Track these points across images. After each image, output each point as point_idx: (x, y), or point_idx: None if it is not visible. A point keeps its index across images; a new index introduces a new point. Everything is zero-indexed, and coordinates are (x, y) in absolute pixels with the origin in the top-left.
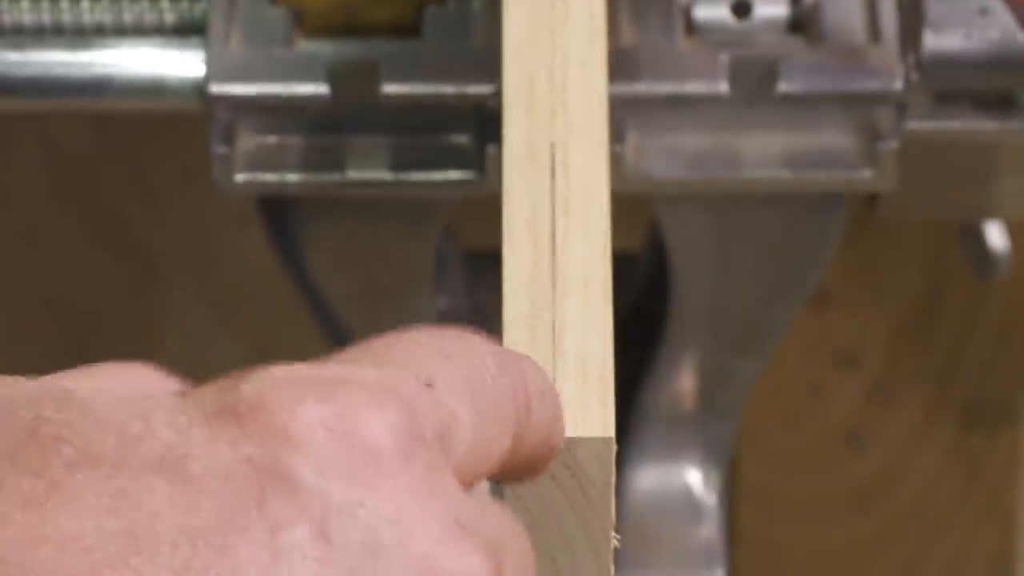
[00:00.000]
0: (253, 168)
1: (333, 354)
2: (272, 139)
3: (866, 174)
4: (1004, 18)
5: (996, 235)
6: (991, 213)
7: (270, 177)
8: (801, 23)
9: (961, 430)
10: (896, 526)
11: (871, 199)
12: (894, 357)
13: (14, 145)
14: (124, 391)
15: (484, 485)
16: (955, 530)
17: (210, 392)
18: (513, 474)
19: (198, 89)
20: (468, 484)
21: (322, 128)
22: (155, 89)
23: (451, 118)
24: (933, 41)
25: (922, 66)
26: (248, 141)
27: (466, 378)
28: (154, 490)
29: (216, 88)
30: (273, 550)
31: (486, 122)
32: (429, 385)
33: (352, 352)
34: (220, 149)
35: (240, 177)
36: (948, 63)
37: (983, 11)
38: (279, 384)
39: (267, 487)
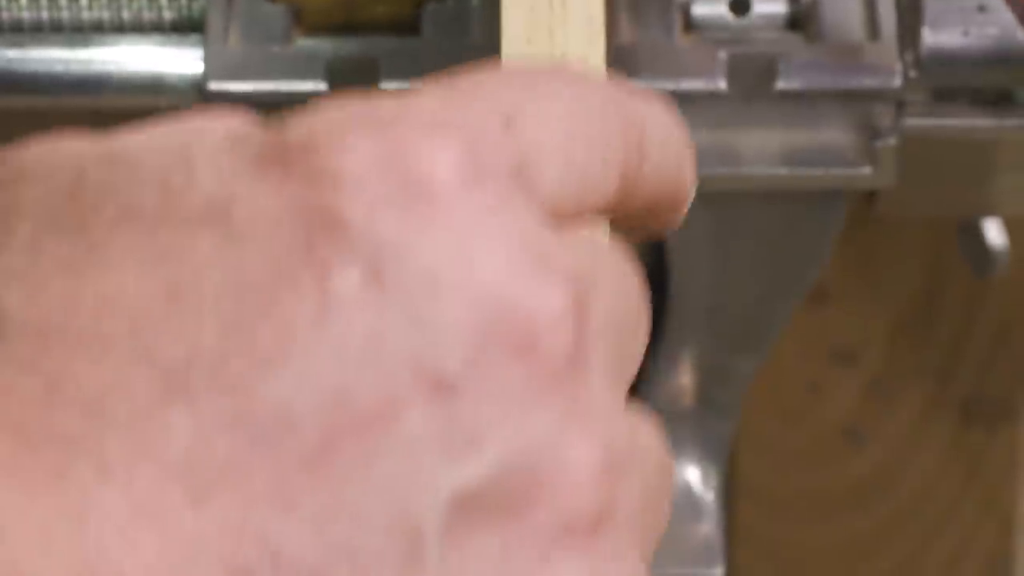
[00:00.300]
0: None
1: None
2: None
3: (864, 171)
4: (1003, 15)
5: (994, 232)
6: (990, 210)
7: None
8: (799, 20)
9: (960, 427)
10: (895, 523)
11: (869, 196)
12: (893, 354)
13: (12, 142)
14: (177, 141)
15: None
16: (954, 527)
17: (258, 134)
18: (630, 221)
19: (196, 87)
20: (562, 212)
21: None
22: (153, 86)
23: None
24: (931, 38)
25: (920, 63)
26: None
27: (554, 113)
28: (198, 244)
29: (215, 85)
30: (323, 294)
31: None
32: (508, 122)
33: (428, 84)
34: None
35: None
36: (946, 60)
37: (982, 8)
38: (328, 122)
39: (315, 231)
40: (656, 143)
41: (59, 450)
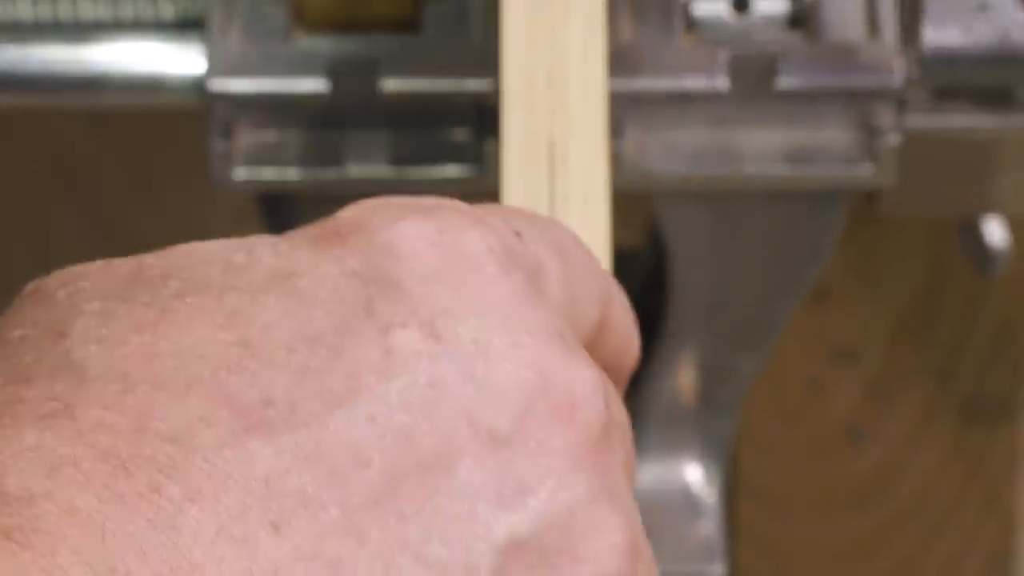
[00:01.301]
0: (252, 164)
1: None
2: (271, 135)
3: (865, 170)
4: (1004, 13)
5: (996, 231)
6: (991, 209)
7: (269, 173)
8: (800, 19)
9: (961, 426)
10: (896, 523)
11: (870, 195)
12: (893, 353)
13: (13, 142)
14: (230, 240)
15: None
16: (955, 526)
17: (309, 226)
18: (600, 363)
19: (197, 85)
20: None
21: (322, 124)
22: (154, 85)
23: (450, 114)
24: (932, 36)
25: (921, 62)
26: (247, 137)
27: (551, 241)
28: (265, 305)
29: (215, 84)
30: (386, 349)
31: (485, 118)
32: (518, 233)
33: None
34: (219, 145)
35: (239, 173)
36: (948, 58)
37: (983, 6)
38: (378, 208)
39: (375, 294)
40: (618, 303)
41: (151, 473)
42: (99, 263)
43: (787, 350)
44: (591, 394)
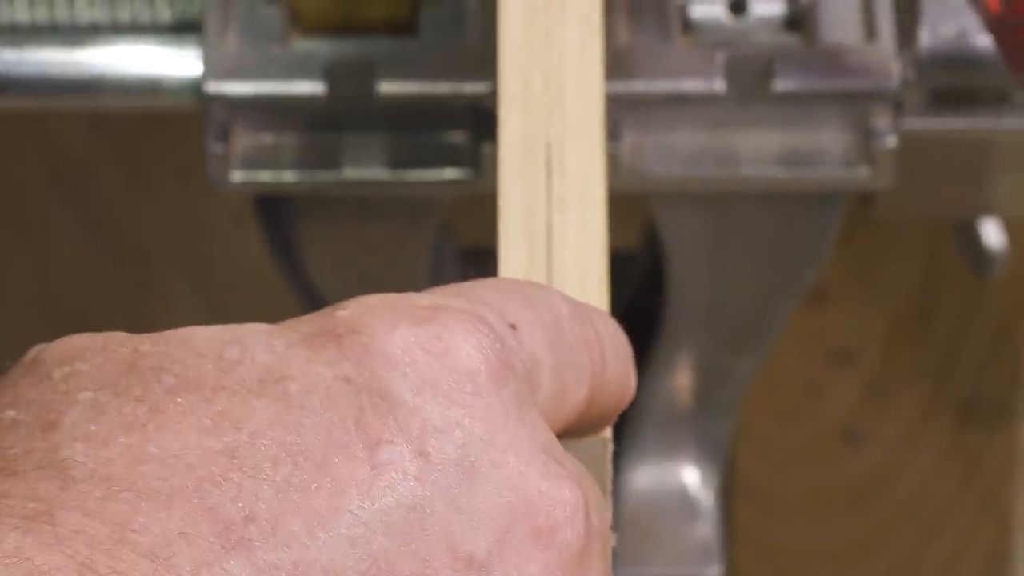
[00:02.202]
0: (249, 166)
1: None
2: (268, 137)
3: (862, 172)
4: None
5: (993, 232)
6: (988, 211)
7: (266, 175)
8: (797, 21)
9: (958, 427)
10: (893, 523)
11: (868, 197)
12: (891, 354)
13: (11, 143)
14: (224, 329)
15: None
16: (952, 527)
17: (306, 320)
18: (587, 424)
19: (194, 87)
20: (552, 425)
21: (318, 126)
22: (151, 87)
23: (447, 116)
24: (929, 39)
25: (918, 64)
26: (244, 139)
27: (545, 326)
28: (254, 410)
29: (212, 87)
30: (373, 466)
31: (482, 120)
32: (513, 326)
33: (441, 289)
34: (216, 147)
35: (236, 175)
36: (944, 61)
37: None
38: (375, 309)
39: (366, 405)
40: (611, 350)
41: None
42: (99, 341)
43: (784, 351)
44: (571, 516)
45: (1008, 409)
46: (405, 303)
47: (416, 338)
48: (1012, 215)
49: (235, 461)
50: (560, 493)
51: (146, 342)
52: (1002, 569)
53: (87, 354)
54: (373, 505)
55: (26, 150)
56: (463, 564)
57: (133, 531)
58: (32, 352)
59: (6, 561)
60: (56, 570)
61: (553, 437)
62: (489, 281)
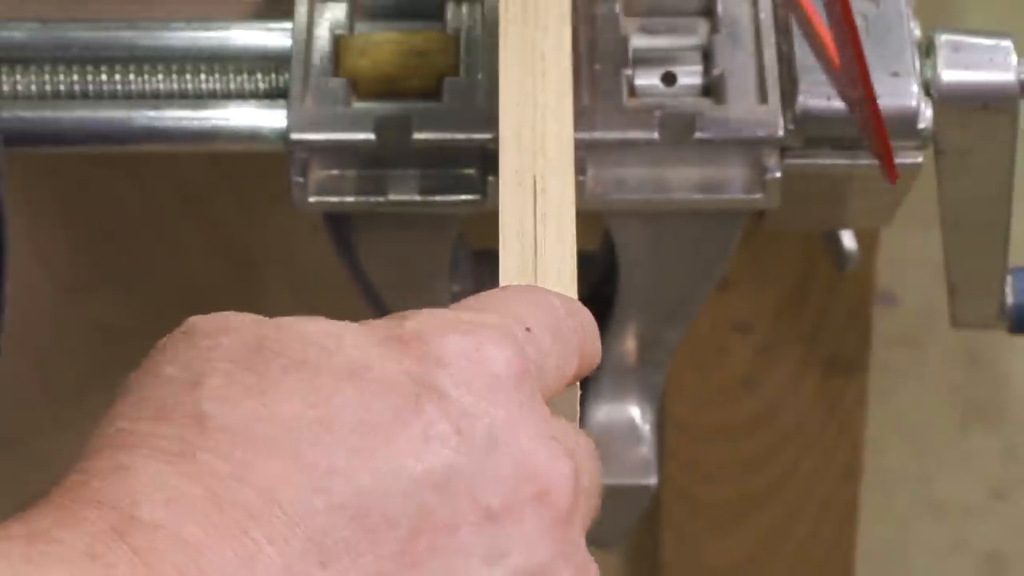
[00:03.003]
0: (321, 192)
1: (464, 300)
2: (335, 172)
3: (757, 197)
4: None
5: (848, 239)
6: (844, 225)
7: (333, 199)
8: (711, 89)
9: (824, 377)
10: (777, 446)
11: (760, 214)
12: (776, 324)
13: (152, 178)
14: (326, 321)
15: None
16: (819, 448)
17: (382, 324)
18: (571, 381)
19: (283, 136)
20: (556, 392)
21: (370, 164)
22: (252, 136)
23: (462, 156)
24: (804, 102)
25: (796, 120)
26: (318, 173)
27: (549, 322)
28: (341, 391)
29: (295, 135)
30: (424, 439)
31: (488, 159)
32: (529, 329)
33: (476, 301)
34: (298, 179)
35: (312, 199)
36: (815, 118)
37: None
38: (433, 322)
39: (421, 393)
40: (590, 333)
41: (242, 516)
42: (235, 322)
43: (701, 323)
44: (564, 483)
45: (859, 364)
46: (454, 319)
47: (461, 347)
48: (861, 227)
49: (325, 427)
50: (557, 465)
51: (271, 328)
52: (855, 476)
53: (227, 332)
54: (423, 466)
55: (162, 182)
56: (482, 513)
57: (249, 472)
58: (188, 322)
59: (157, 487)
60: (194, 497)
61: (556, 423)
62: (506, 291)
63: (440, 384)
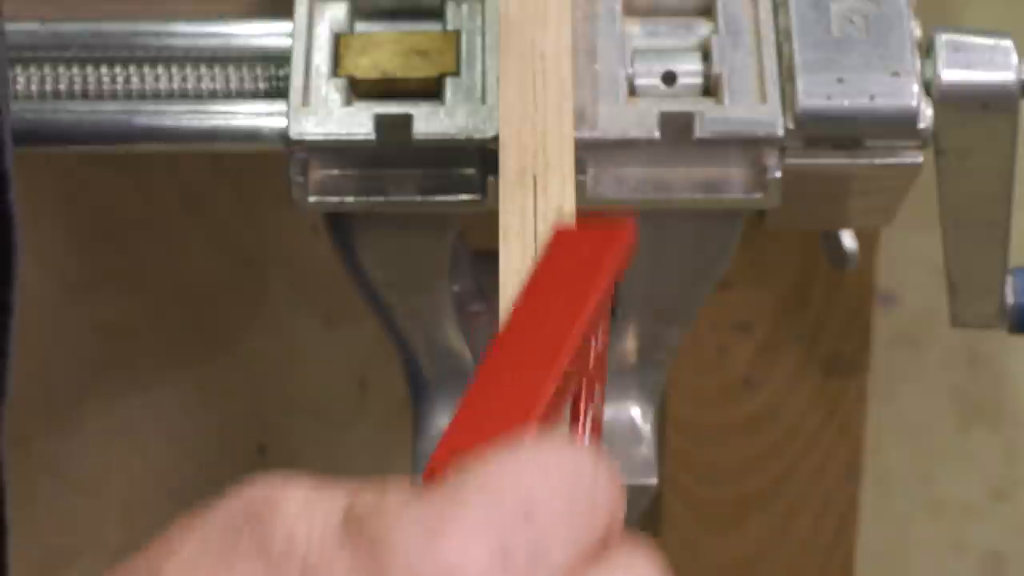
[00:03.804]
0: (321, 192)
1: (446, 471)
2: (335, 171)
3: (757, 196)
4: (857, 86)
5: (848, 239)
6: (844, 225)
7: (333, 199)
8: (711, 88)
9: (823, 377)
10: (777, 445)
11: (760, 213)
12: (776, 325)
13: (153, 177)
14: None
15: None
16: (818, 448)
17: (354, 522)
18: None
19: (283, 136)
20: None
21: (370, 163)
22: (253, 135)
23: (462, 156)
24: (804, 102)
25: (796, 119)
26: (318, 173)
27: (566, 496)
28: None
29: (295, 135)
30: None
31: (488, 159)
32: (528, 516)
33: (463, 478)
34: (298, 178)
35: (312, 198)
36: (814, 118)
37: (840, 80)
38: (403, 523)
39: None
40: (619, 498)
41: None
42: (210, 530)
43: (702, 323)
44: None
45: (859, 364)
46: (427, 514)
47: (420, 544)
48: (861, 227)
49: None
50: None
51: (242, 519)
52: (855, 477)
53: (194, 535)
54: None
55: (163, 181)
56: None
57: None
58: (242, 497)
59: None
60: None
61: None
62: (512, 458)
63: None
